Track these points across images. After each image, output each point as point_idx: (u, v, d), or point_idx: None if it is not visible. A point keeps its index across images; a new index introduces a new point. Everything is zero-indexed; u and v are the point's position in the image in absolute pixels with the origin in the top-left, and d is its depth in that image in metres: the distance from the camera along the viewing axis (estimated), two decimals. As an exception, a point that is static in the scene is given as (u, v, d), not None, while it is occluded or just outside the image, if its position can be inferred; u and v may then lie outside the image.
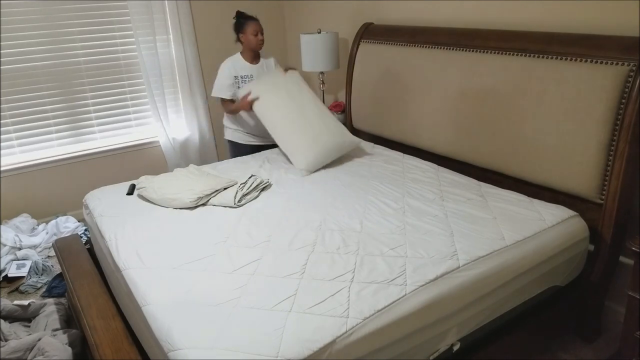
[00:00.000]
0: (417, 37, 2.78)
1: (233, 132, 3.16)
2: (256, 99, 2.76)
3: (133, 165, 3.77)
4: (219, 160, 3.34)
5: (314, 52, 3.35)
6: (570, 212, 2.02)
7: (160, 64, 3.62)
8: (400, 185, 2.36)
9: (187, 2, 3.64)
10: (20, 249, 3.05)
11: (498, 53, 2.33)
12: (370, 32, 3.14)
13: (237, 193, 2.25)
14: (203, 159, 3.95)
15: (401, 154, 2.82)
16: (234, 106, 2.94)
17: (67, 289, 2.51)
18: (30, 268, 2.86)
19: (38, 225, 3.38)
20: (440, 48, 2.62)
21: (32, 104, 3.35)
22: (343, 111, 3.54)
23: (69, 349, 2.04)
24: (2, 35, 3.12)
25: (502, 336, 1.85)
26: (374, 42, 3.07)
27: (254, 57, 3.08)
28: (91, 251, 2.37)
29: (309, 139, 2.61)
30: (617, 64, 1.89)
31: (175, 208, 2.22)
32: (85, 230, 3.20)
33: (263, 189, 2.38)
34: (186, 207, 2.22)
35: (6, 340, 2.12)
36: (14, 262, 2.91)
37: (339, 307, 1.47)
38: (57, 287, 2.69)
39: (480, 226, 1.92)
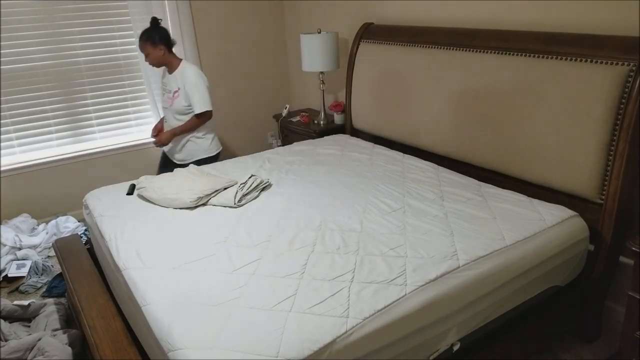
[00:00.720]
0: (417, 37, 2.78)
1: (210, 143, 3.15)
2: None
3: (133, 165, 3.77)
4: (219, 160, 3.34)
5: (314, 52, 3.35)
6: (570, 212, 2.02)
7: (160, 64, 3.62)
8: (400, 185, 2.36)
9: (187, 2, 3.64)
10: (20, 249, 3.05)
11: (498, 53, 2.33)
12: (370, 32, 3.14)
13: (237, 193, 2.25)
14: (203, 159, 3.95)
15: (401, 154, 2.82)
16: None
17: (67, 289, 2.51)
18: (30, 268, 2.86)
19: (38, 225, 3.38)
20: (440, 48, 2.62)
21: (32, 104, 3.35)
22: (343, 111, 3.54)
23: (69, 349, 2.04)
24: (2, 35, 3.12)
25: (502, 336, 1.85)
26: (374, 42, 3.07)
27: (167, 68, 3.05)
28: (91, 251, 2.37)
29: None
30: (617, 64, 1.89)
31: (175, 208, 2.22)
32: (85, 230, 3.20)
33: (263, 189, 2.38)
34: (186, 207, 2.22)
35: (6, 340, 2.12)
36: (14, 262, 2.91)
37: (339, 307, 1.47)
38: (57, 287, 2.69)
39: (480, 226, 1.92)
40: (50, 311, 2.37)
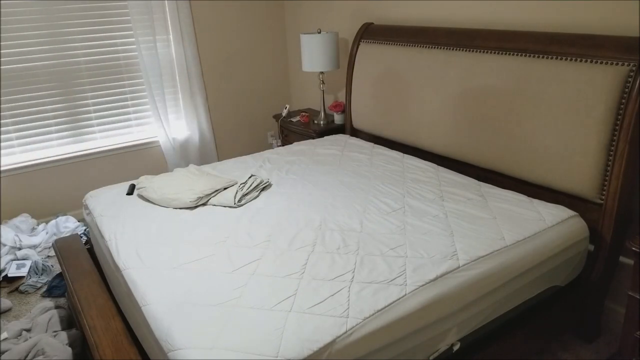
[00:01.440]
0: (417, 37, 2.78)
1: None
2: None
3: (133, 165, 3.77)
4: (219, 160, 3.34)
5: (314, 52, 3.36)
6: (570, 212, 2.02)
7: (160, 64, 3.63)
8: (400, 185, 2.36)
9: (187, 2, 3.64)
10: (20, 248, 3.05)
11: (498, 53, 2.33)
12: (370, 32, 3.14)
13: (237, 193, 2.25)
14: (203, 159, 3.96)
15: (401, 154, 2.82)
16: None
17: (67, 289, 2.51)
18: (30, 268, 2.86)
19: (38, 225, 3.38)
20: (440, 48, 2.62)
21: (32, 104, 3.35)
22: (343, 111, 3.54)
23: (69, 349, 2.04)
24: (2, 35, 3.12)
25: (502, 336, 1.85)
26: (374, 42, 3.07)
27: None
28: (91, 251, 2.37)
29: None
30: (617, 64, 1.89)
31: (175, 208, 2.22)
32: (85, 230, 3.20)
33: (263, 189, 2.38)
34: (186, 207, 2.22)
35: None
36: (13, 262, 2.91)
37: (339, 307, 1.47)
38: (57, 287, 2.69)
39: (480, 226, 1.92)
40: (51, 312, 2.37)
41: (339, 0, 3.55)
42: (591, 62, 1.97)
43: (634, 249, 1.63)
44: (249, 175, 2.42)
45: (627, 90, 1.87)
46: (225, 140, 4.16)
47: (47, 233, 3.25)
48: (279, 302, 1.50)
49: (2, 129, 3.28)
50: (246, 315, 1.45)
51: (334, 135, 3.31)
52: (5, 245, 3.02)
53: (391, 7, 3.13)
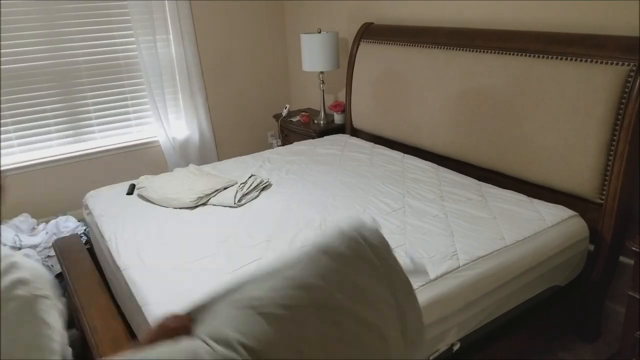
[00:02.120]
0: (417, 37, 2.78)
1: None
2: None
3: (133, 165, 3.77)
4: (219, 160, 3.34)
5: (314, 52, 3.35)
6: (570, 212, 2.02)
7: (160, 64, 3.62)
8: (400, 185, 2.36)
9: (187, 2, 3.64)
10: (20, 248, 3.04)
11: (498, 53, 2.33)
12: (370, 32, 3.14)
13: (237, 193, 2.25)
14: (203, 159, 3.95)
15: (401, 154, 2.82)
16: None
17: (67, 289, 2.51)
18: (30, 268, 2.85)
19: (38, 225, 3.37)
20: (441, 48, 2.62)
21: (32, 104, 3.35)
22: (343, 111, 3.54)
23: (69, 349, 2.03)
24: (2, 35, 3.12)
25: (502, 336, 1.85)
26: (374, 42, 3.07)
27: None
28: (91, 251, 2.37)
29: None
30: (617, 64, 1.89)
31: (175, 208, 2.22)
32: (85, 230, 3.20)
33: (263, 189, 2.38)
34: (186, 207, 2.22)
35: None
36: (14, 262, 2.90)
37: (339, 307, 1.47)
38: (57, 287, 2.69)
39: (480, 226, 1.92)
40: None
41: (339, 0, 3.54)
42: (591, 62, 1.97)
43: (634, 248, 1.63)
44: (249, 175, 2.42)
45: (627, 90, 1.87)
46: (225, 140, 4.15)
47: (47, 233, 3.25)
48: (279, 302, 1.50)
49: (2, 129, 3.28)
50: (246, 315, 1.45)
51: (334, 135, 3.31)
52: (5, 245, 3.02)
53: (391, 7, 3.13)
